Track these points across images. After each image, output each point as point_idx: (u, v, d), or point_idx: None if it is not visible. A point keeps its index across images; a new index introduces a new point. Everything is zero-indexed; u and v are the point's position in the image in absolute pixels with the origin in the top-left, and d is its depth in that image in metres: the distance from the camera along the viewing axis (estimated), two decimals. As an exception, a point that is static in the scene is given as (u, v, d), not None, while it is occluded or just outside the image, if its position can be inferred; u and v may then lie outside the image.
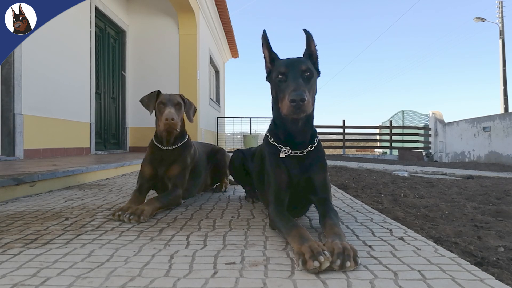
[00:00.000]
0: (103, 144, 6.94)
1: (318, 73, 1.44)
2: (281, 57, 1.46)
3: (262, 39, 1.48)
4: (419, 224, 1.85)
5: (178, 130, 1.99)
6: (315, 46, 1.45)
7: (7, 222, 1.63)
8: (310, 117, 1.44)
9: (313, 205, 1.64)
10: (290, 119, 1.36)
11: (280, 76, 1.34)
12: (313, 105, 1.42)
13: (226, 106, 15.24)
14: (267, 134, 1.54)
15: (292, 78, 1.29)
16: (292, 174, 1.44)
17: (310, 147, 1.44)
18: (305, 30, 1.45)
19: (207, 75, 10.04)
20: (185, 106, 2.09)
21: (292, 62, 1.35)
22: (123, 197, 2.38)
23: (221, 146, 8.68)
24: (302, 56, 1.45)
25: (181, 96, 2.09)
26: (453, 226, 1.86)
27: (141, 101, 2.08)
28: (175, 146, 2.05)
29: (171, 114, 1.90)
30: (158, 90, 2.06)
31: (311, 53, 1.45)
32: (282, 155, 1.44)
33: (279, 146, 1.45)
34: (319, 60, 1.46)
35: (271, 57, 1.48)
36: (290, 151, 1.43)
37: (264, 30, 1.48)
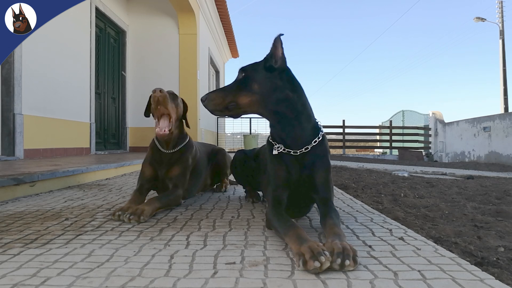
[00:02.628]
0: (103, 144, 6.94)
1: (270, 70, 1.39)
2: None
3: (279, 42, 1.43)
4: (419, 224, 1.85)
5: (170, 112, 1.90)
6: (274, 47, 1.39)
7: (7, 222, 1.63)
8: (299, 117, 1.41)
9: (314, 205, 1.64)
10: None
11: None
12: (294, 106, 1.39)
13: (226, 106, 15.21)
14: (270, 133, 1.56)
15: None
16: (291, 172, 1.43)
17: (305, 149, 1.42)
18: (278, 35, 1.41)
19: (207, 75, 10.04)
20: (186, 110, 2.09)
21: None
22: (123, 197, 2.38)
23: (221, 146, 8.64)
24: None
25: (182, 99, 2.07)
26: (453, 226, 1.86)
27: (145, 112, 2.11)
28: (175, 149, 2.04)
29: (158, 88, 1.87)
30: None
31: (271, 54, 1.41)
32: (274, 151, 1.45)
33: (274, 143, 1.46)
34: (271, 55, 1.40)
35: None
36: (283, 149, 1.43)
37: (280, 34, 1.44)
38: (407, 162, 9.72)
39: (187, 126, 2.14)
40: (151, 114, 2.03)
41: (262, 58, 1.46)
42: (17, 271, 1.02)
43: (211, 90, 13.64)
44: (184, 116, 2.11)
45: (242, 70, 1.44)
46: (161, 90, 1.86)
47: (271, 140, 1.50)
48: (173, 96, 1.98)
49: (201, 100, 1.43)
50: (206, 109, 1.44)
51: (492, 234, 1.67)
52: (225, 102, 1.40)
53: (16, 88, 4.23)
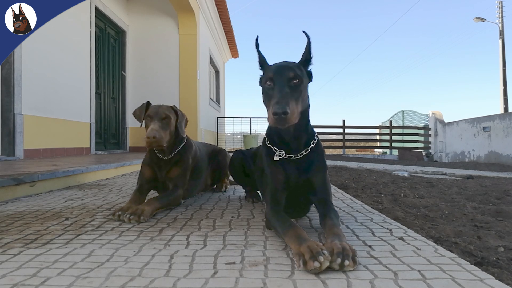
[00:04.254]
0: (103, 144, 6.94)
1: (310, 77, 1.42)
2: (281, 58, 1.46)
3: (255, 43, 1.48)
4: (419, 224, 1.85)
5: (165, 145, 1.89)
6: (309, 52, 1.41)
7: (7, 222, 1.63)
8: (303, 122, 1.41)
9: (313, 205, 1.64)
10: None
11: (268, 83, 1.30)
12: (307, 110, 1.42)
13: (226, 106, 15.25)
14: (265, 136, 1.55)
15: (278, 87, 1.24)
16: (289, 175, 1.43)
17: (306, 151, 1.43)
18: (305, 33, 1.40)
19: (207, 75, 10.04)
20: (178, 118, 2.02)
21: (280, 68, 1.30)
22: (123, 197, 2.38)
23: (221, 146, 8.58)
24: (299, 59, 1.41)
25: (173, 108, 2.01)
26: (453, 226, 1.86)
27: (134, 114, 2.03)
28: (172, 155, 2.02)
29: (152, 132, 1.81)
30: (148, 101, 2.02)
31: (308, 57, 1.41)
32: (276, 158, 1.44)
33: (274, 149, 1.45)
34: (312, 63, 1.43)
35: (260, 62, 1.47)
36: (284, 155, 1.42)
37: (257, 36, 1.50)
38: (407, 162, 9.72)
39: (182, 134, 2.06)
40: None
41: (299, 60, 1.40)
42: (17, 271, 1.02)
43: (212, 90, 13.36)
44: (177, 124, 2.03)
45: (295, 75, 1.28)
46: (154, 136, 1.80)
47: (269, 145, 1.47)
48: (165, 121, 1.91)
49: (276, 113, 1.15)
50: (277, 125, 1.19)
51: (492, 234, 1.68)
52: (298, 112, 1.25)
53: (16, 88, 4.23)
